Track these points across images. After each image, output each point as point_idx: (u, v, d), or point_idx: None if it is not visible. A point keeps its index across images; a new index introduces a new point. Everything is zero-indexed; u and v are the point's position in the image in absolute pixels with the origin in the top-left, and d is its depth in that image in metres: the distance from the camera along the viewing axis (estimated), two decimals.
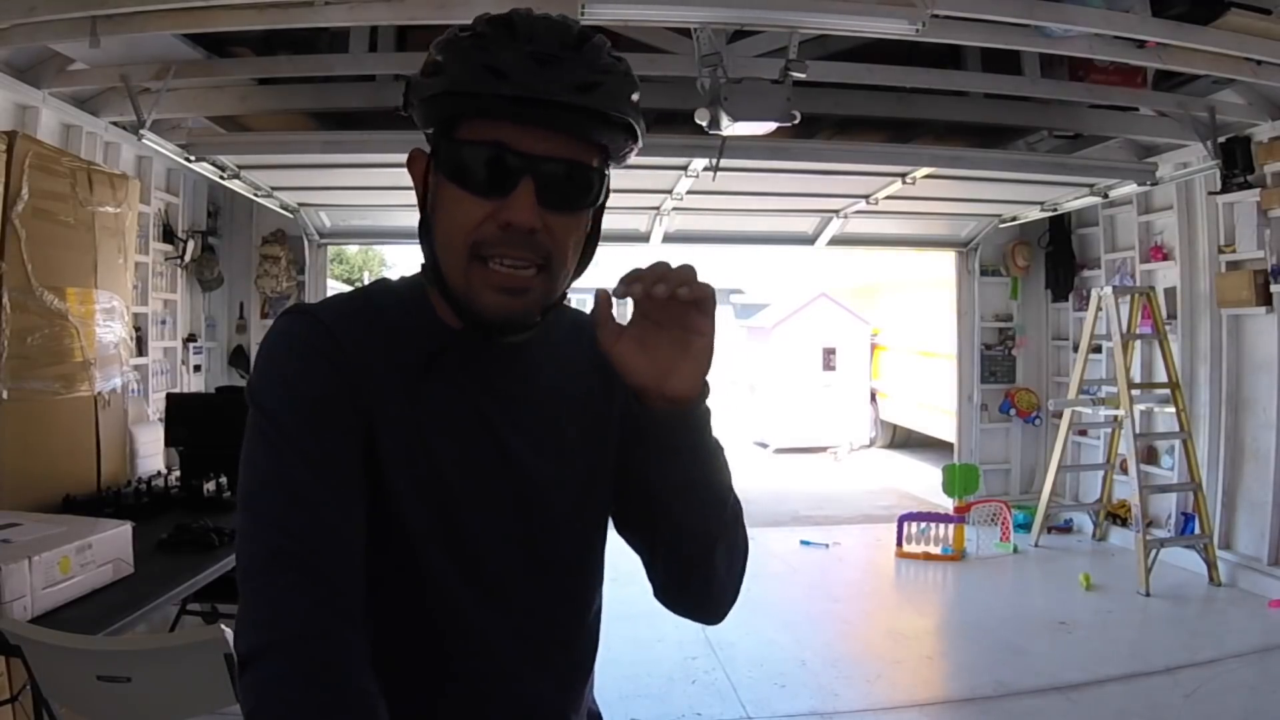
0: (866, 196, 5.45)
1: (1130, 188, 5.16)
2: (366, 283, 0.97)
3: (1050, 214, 6.09)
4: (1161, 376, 5.31)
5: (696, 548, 0.90)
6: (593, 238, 0.89)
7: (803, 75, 3.22)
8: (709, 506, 0.89)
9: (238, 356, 6.10)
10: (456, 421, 0.87)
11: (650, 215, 5.97)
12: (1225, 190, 4.88)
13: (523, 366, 0.91)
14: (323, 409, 0.80)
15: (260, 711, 0.71)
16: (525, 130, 0.78)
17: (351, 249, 22.23)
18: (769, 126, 3.45)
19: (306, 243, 6.17)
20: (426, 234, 0.86)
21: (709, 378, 0.84)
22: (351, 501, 0.79)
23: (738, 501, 0.92)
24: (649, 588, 0.97)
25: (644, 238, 6.32)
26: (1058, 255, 6.64)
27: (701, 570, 0.92)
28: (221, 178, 4.67)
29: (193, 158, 4.25)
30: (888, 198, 5.36)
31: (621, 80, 0.81)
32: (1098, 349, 5.94)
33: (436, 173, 0.83)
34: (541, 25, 0.80)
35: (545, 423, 0.92)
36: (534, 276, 0.83)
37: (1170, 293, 5.42)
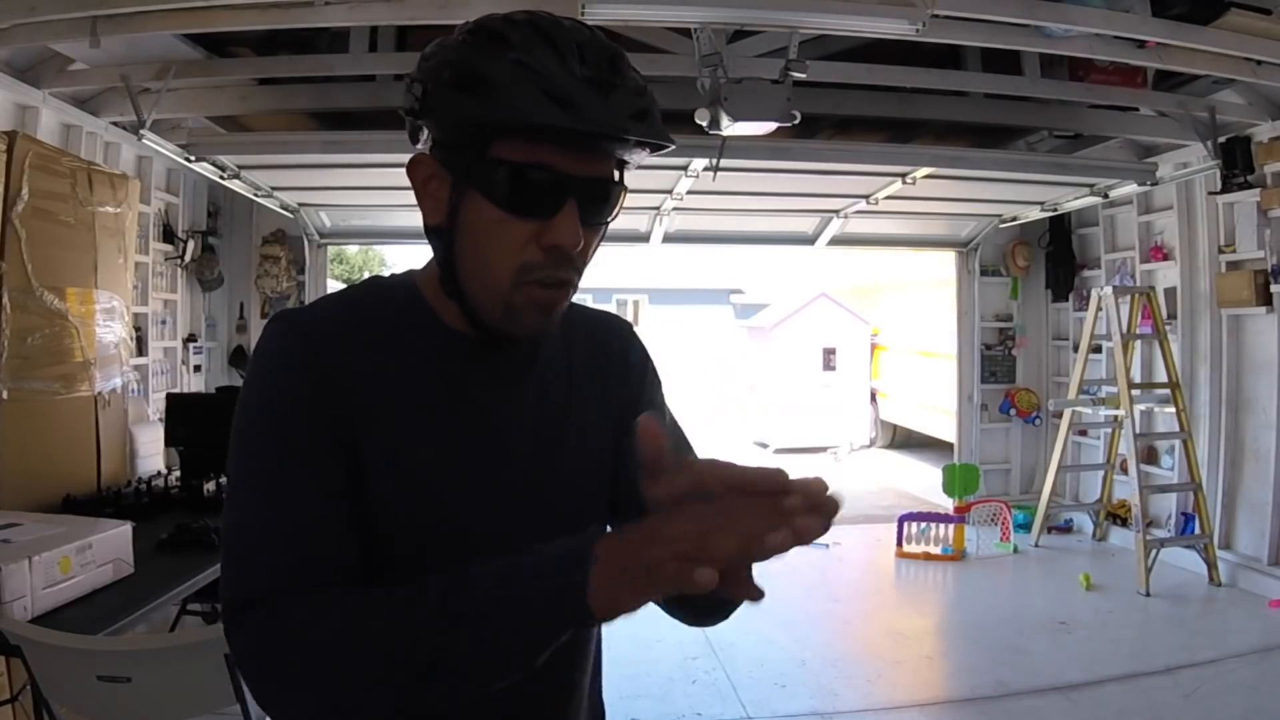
0: (866, 196, 5.45)
1: (1130, 188, 5.16)
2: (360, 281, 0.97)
3: (1050, 214, 6.09)
4: (1161, 376, 5.31)
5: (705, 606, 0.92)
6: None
7: (803, 75, 3.22)
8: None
9: (238, 356, 6.10)
10: (456, 427, 0.86)
11: (650, 215, 5.97)
12: (1225, 190, 4.88)
13: (520, 363, 0.91)
14: (295, 414, 0.80)
15: (254, 657, 0.73)
16: (572, 154, 0.78)
17: (351, 249, 22.24)
18: (769, 126, 3.45)
19: (306, 243, 6.16)
20: (443, 243, 0.84)
21: None
22: (333, 511, 0.79)
23: None
24: None
25: (644, 238, 6.33)
26: (1058, 255, 6.65)
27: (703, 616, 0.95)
28: (221, 178, 4.67)
29: (193, 158, 4.25)
30: (888, 198, 5.36)
31: (653, 99, 0.81)
32: (1098, 349, 5.94)
33: (465, 188, 0.81)
34: (580, 40, 0.78)
35: (544, 418, 0.92)
36: (566, 293, 0.85)
37: (1170, 293, 5.42)
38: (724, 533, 0.62)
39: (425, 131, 0.83)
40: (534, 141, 0.76)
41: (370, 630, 0.70)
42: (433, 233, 0.85)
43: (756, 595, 0.67)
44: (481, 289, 0.83)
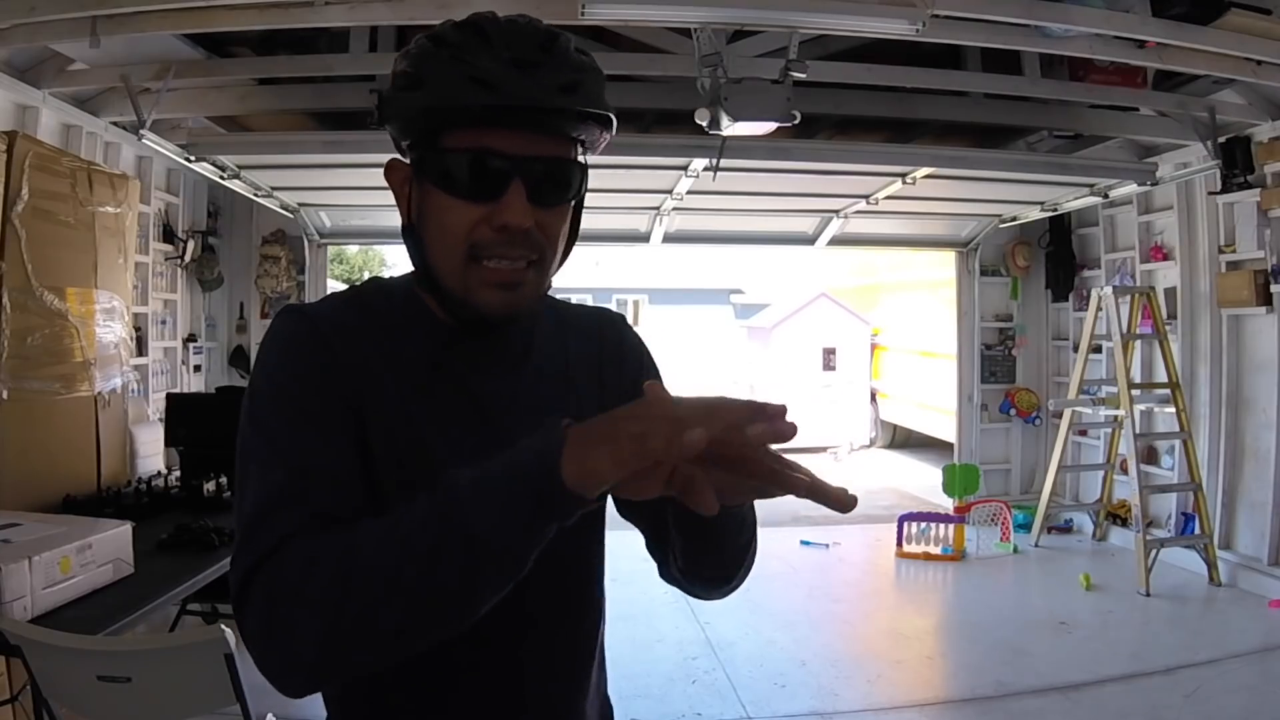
0: (866, 196, 5.45)
1: (1130, 188, 5.16)
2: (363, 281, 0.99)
3: (1050, 214, 6.09)
4: (1161, 376, 5.31)
5: (710, 574, 0.91)
6: (574, 228, 0.92)
7: (803, 75, 3.22)
8: (729, 555, 0.89)
9: (238, 356, 6.10)
10: (453, 415, 0.88)
11: (650, 215, 5.96)
12: (1225, 190, 4.88)
13: (517, 358, 0.93)
14: (307, 388, 0.82)
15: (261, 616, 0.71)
16: (510, 134, 0.80)
17: (351, 249, 22.27)
18: (769, 126, 3.45)
19: (306, 243, 6.17)
20: (414, 240, 0.88)
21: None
22: (343, 478, 0.80)
23: (754, 531, 0.90)
24: (649, 588, 0.98)
25: (644, 238, 6.32)
26: (1058, 255, 6.64)
27: (714, 585, 0.94)
28: (221, 178, 4.67)
29: (193, 158, 4.25)
30: (888, 198, 5.36)
31: (596, 76, 0.84)
32: (1098, 349, 5.94)
33: (421, 181, 0.84)
34: (512, 30, 0.81)
35: (546, 406, 0.92)
36: (527, 270, 0.86)
37: (1170, 293, 5.42)
38: (705, 417, 0.63)
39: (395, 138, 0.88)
40: (475, 128, 0.80)
41: (368, 545, 0.69)
42: (406, 232, 0.89)
43: (712, 505, 0.66)
44: (443, 272, 0.86)
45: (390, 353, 0.87)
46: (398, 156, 0.89)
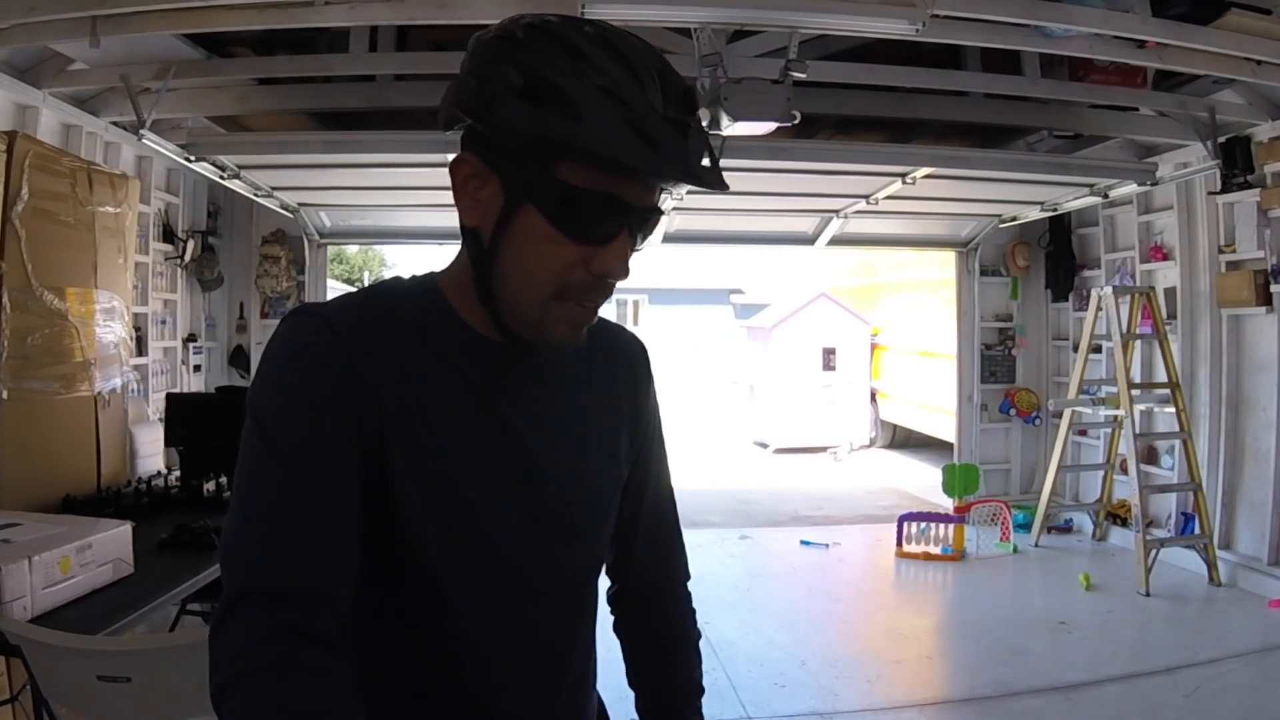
0: (866, 196, 5.45)
1: (1130, 188, 5.16)
2: (369, 282, 0.96)
3: (1050, 214, 6.09)
4: (1161, 376, 5.31)
5: None
6: None
7: (803, 75, 3.22)
8: None
9: (238, 356, 6.10)
10: (477, 426, 0.85)
11: None
12: (1225, 190, 4.88)
13: (543, 373, 0.91)
14: (320, 425, 0.77)
15: None
16: (633, 184, 0.77)
17: (351, 249, 22.28)
18: (769, 126, 3.45)
19: (306, 243, 6.16)
20: (480, 247, 0.82)
21: None
22: (341, 525, 0.77)
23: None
24: None
25: None
26: (1058, 255, 6.65)
27: None
28: (221, 178, 4.67)
29: (193, 158, 4.25)
30: (888, 198, 5.35)
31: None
32: (1098, 349, 5.94)
33: (520, 200, 0.78)
34: (650, 63, 0.76)
35: (566, 428, 0.91)
36: (598, 310, 0.86)
37: (1170, 293, 5.42)
38: None
39: (463, 124, 0.80)
40: (605, 171, 0.75)
41: None
42: (470, 234, 0.83)
43: None
44: (519, 299, 0.81)
45: (416, 365, 0.83)
46: (470, 153, 0.81)
